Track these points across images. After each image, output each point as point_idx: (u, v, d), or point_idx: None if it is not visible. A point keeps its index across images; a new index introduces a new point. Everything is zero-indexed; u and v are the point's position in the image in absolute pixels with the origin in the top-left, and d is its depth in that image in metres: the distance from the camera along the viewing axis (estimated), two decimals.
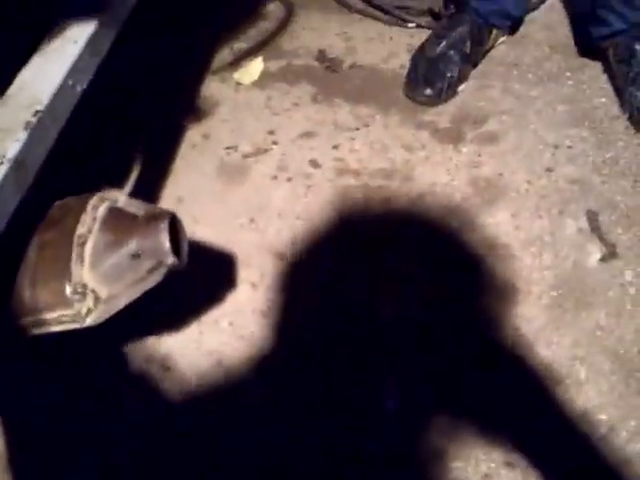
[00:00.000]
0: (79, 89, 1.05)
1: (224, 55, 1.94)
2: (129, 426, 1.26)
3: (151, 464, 1.22)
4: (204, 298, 1.44)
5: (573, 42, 1.88)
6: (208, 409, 1.28)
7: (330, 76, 1.87)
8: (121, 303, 0.94)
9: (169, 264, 0.94)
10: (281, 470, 1.21)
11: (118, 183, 1.60)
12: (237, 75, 1.88)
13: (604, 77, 1.79)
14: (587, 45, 1.83)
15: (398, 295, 1.42)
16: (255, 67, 1.89)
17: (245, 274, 1.47)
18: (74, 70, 1.03)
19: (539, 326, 1.36)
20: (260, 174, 1.65)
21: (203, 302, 1.43)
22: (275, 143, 1.71)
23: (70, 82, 1.03)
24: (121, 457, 1.23)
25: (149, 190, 1.61)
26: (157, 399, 1.29)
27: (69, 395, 1.30)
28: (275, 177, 1.64)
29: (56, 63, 1.04)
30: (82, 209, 0.99)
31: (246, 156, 1.69)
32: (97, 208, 1.00)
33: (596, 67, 1.82)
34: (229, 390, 1.30)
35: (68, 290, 0.93)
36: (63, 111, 1.03)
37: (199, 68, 1.90)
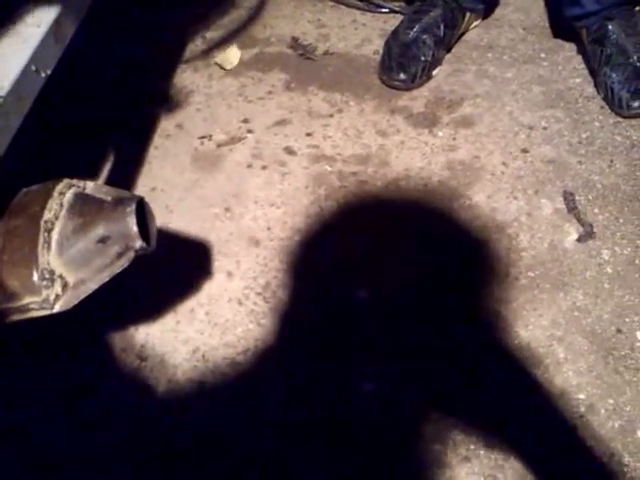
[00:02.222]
0: (43, 75, 1.03)
1: (197, 44, 1.93)
2: (105, 415, 1.25)
3: (128, 452, 1.21)
4: (180, 288, 1.42)
5: (547, 24, 1.88)
6: (185, 398, 1.26)
7: (304, 63, 1.86)
8: (90, 288, 0.92)
9: (137, 248, 0.93)
10: (260, 450, 1.20)
11: (91, 173, 1.59)
12: (218, 60, 1.86)
13: (578, 58, 1.79)
14: (561, 26, 1.83)
15: (373, 279, 1.41)
16: (233, 54, 1.88)
17: (221, 263, 1.46)
18: (37, 55, 1.01)
19: (517, 307, 1.35)
20: (235, 163, 1.64)
21: (179, 292, 1.42)
22: (249, 131, 1.70)
23: (33, 67, 1.01)
24: (99, 447, 1.21)
25: (123, 180, 1.59)
26: (133, 388, 1.28)
27: (43, 383, 1.29)
28: (250, 165, 1.63)
29: (18, 48, 1.02)
30: (49, 195, 0.98)
31: (220, 145, 1.68)
32: (64, 194, 0.98)
33: (570, 48, 1.82)
34: (206, 379, 1.28)
35: (35, 277, 0.91)
36: (26, 97, 1.01)
37: (171, 58, 1.88)
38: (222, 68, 1.85)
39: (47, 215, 0.95)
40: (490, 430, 1.21)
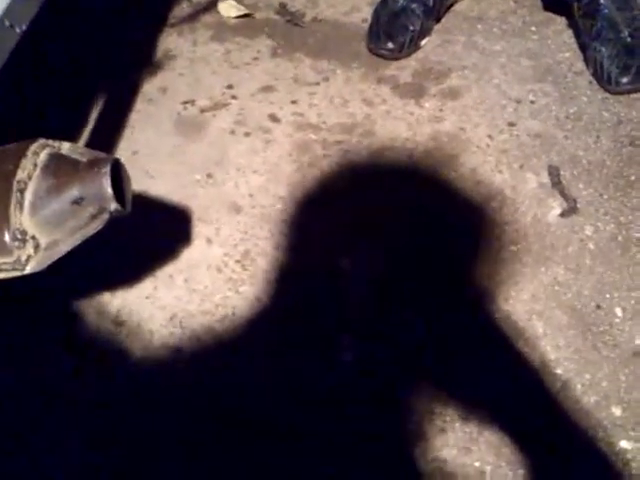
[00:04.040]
0: (18, 30, 1.00)
1: (182, 8, 1.89)
2: (77, 379, 1.24)
3: (104, 416, 1.20)
4: (159, 254, 1.41)
5: None
6: (160, 364, 1.25)
7: (291, 30, 1.83)
8: (62, 250, 0.90)
9: (112, 210, 0.91)
10: (236, 413, 1.19)
11: (71, 137, 1.56)
12: (223, 8, 1.84)
13: (569, 32, 1.77)
14: (552, 0, 1.81)
15: (356, 248, 1.40)
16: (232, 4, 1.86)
17: (201, 229, 1.44)
18: (11, 10, 0.99)
19: (498, 280, 1.35)
20: (218, 129, 1.62)
21: (158, 257, 1.40)
22: (234, 97, 1.68)
23: (7, 23, 0.98)
24: (78, 412, 1.20)
25: (104, 144, 1.57)
26: (109, 352, 1.27)
27: (17, 346, 1.27)
28: (233, 132, 1.61)
29: None
30: (22, 154, 0.95)
31: (203, 110, 1.65)
32: (38, 154, 0.96)
33: (561, 22, 1.80)
34: (182, 345, 1.27)
35: (7, 237, 0.89)
36: (0, 53, 0.98)
37: (156, 21, 1.85)
38: (228, 16, 1.84)
39: (20, 175, 0.92)
40: (467, 403, 1.21)
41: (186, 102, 1.67)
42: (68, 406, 1.21)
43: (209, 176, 1.52)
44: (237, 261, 1.38)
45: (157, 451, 1.16)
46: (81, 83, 1.68)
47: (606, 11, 1.65)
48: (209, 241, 1.42)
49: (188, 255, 1.40)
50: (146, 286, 1.36)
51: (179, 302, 1.33)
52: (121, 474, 1.14)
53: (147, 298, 1.34)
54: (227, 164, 1.54)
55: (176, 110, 1.65)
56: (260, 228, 1.43)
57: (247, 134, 1.60)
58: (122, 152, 1.56)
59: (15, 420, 1.20)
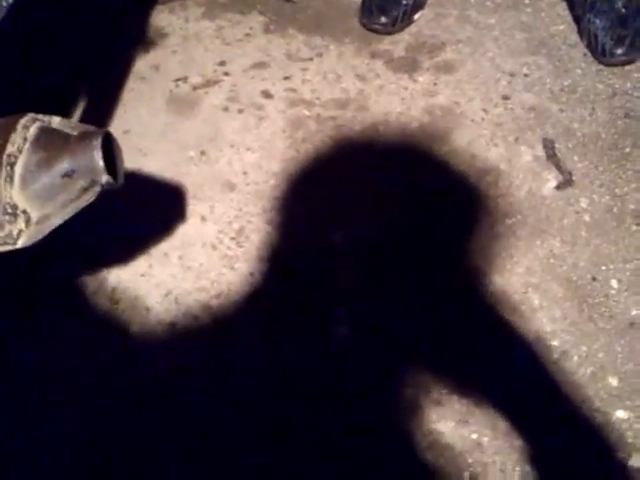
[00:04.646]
0: (5, 4, 0.99)
1: None
2: (77, 359, 1.23)
3: (98, 393, 1.20)
4: (153, 231, 1.40)
5: None
6: (157, 340, 1.25)
7: (283, 6, 1.82)
8: (54, 223, 0.90)
9: (103, 183, 0.90)
10: (230, 392, 1.19)
11: (63, 114, 1.55)
12: None
13: (562, 4, 1.76)
14: None
15: (350, 224, 1.39)
16: None
17: (195, 207, 1.43)
18: None
19: (493, 254, 1.34)
20: (211, 106, 1.60)
21: (152, 235, 1.39)
22: (226, 74, 1.66)
23: None
24: (76, 391, 1.20)
25: (96, 122, 1.53)
26: (105, 330, 1.26)
27: (14, 325, 1.27)
28: (226, 108, 1.60)
29: None
30: (12, 128, 0.94)
31: (196, 87, 1.64)
32: (28, 127, 0.95)
33: None
34: (178, 321, 1.27)
35: None
36: None
37: None
38: None
39: (10, 149, 0.91)
40: (463, 376, 1.21)
41: (178, 79, 1.65)
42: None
43: (202, 153, 1.51)
44: (232, 238, 1.38)
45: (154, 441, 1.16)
46: (72, 61, 1.66)
47: None
48: (203, 219, 1.41)
49: (183, 233, 1.40)
50: (141, 264, 1.35)
51: (174, 279, 1.33)
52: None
53: (142, 276, 1.33)
54: (220, 141, 1.53)
55: (168, 88, 1.64)
56: (254, 205, 1.42)
57: (240, 111, 1.59)
58: (114, 130, 1.52)
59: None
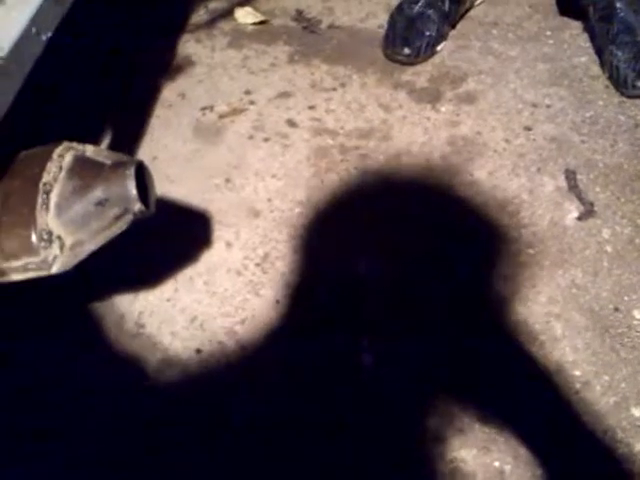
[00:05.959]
0: (44, 38, 1.02)
1: (199, 15, 1.92)
2: (102, 383, 1.25)
3: (116, 419, 1.21)
4: (179, 257, 1.42)
5: (554, 1, 1.86)
6: (182, 365, 1.27)
7: (308, 36, 1.85)
8: (87, 250, 0.93)
9: (135, 211, 0.93)
10: (259, 419, 1.20)
11: (93, 141, 1.58)
12: (240, 16, 1.86)
13: (584, 36, 1.78)
14: (568, 4, 1.82)
15: (373, 253, 1.40)
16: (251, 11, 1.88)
17: (220, 233, 1.45)
18: (38, 17, 1.01)
19: (515, 284, 1.35)
20: (236, 134, 1.63)
21: (178, 261, 1.41)
22: (251, 103, 1.69)
23: (34, 30, 1.00)
24: (94, 414, 1.22)
25: (124, 149, 1.59)
26: (131, 355, 1.28)
27: (43, 347, 1.29)
28: (251, 137, 1.62)
29: (18, 10, 1.01)
30: (48, 157, 0.97)
31: (222, 116, 1.67)
32: (63, 156, 0.98)
33: (577, 26, 1.81)
34: (203, 347, 1.28)
35: (34, 237, 0.91)
36: (27, 59, 1.00)
37: (174, 28, 1.87)
38: (245, 24, 1.87)
39: (46, 177, 0.95)
40: (486, 404, 1.21)
41: (205, 108, 1.69)
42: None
43: (228, 181, 1.54)
44: (257, 264, 1.40)
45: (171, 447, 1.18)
46: (101, 89, 1.70)
47: (622, 15, 1.66)
48: (229, 244, 1.43)
49: (208, 258, 1.42)
50: (167, 289, 1.37)
51: (199, 305, 1.35)
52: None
53: (168, 300, 1.35)
54: (245, 169, 1.56)
55: (195, 116, 1.67)
56: (279, 232, 1.44)
57: (265, 139, 1.61)
58: (142, 157, 1.58)
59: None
